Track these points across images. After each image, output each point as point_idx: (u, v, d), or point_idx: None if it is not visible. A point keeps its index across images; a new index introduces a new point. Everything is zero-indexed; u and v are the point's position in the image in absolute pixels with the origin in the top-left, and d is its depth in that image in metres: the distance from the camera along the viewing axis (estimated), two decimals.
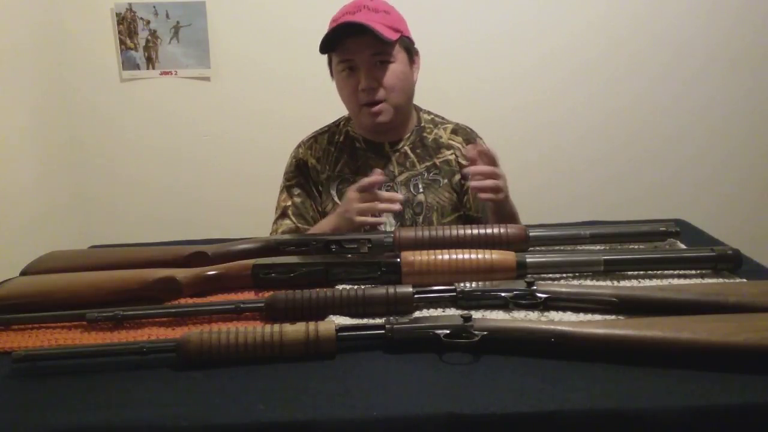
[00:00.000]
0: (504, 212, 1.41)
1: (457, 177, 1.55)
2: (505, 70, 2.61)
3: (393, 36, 1.42)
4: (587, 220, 1.37)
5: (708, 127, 2.67)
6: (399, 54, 1.46)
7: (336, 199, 1.53)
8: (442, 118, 1.64)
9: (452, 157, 1.56)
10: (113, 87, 2.61)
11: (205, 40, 2.58)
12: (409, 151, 1.56)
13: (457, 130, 1.61)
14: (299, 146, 1.62)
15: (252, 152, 2.64)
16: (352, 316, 0.95)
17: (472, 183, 1.32)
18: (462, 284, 0.97)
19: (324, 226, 1.42)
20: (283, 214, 1.58)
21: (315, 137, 1.62)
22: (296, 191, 1.58)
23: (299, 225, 1.54)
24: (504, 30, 2.58)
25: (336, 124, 1.63)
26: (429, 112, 1.64)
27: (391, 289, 0.96)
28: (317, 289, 0.98)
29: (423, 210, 1.52)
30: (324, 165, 1.58)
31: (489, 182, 1.31)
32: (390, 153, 1.56)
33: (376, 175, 1.34)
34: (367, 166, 1.54)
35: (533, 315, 0.93)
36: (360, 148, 1.57)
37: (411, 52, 1.51)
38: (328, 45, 1.45)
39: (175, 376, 0.83)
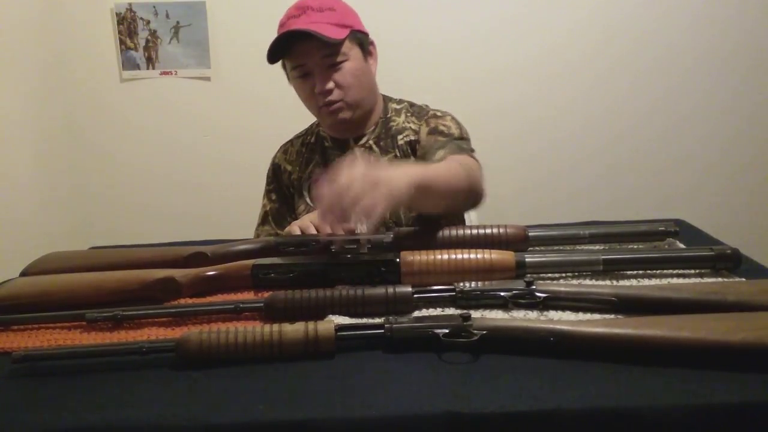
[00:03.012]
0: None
1: (411, 159, 1.49)
2: (497, 66, 2.61)
3: (340, 35, 1.39)
4: (583, 217, 1.37)
5: (706, 124, 2.66)
6: (351, 50, 1.42)
7: (308, 199, 1.54)
8: (411, 104, 1.58)
9: (403, 142, 1.51)
10: (113, 87, 2.62)
11: (205, 40, 2.59)
12: (373, 145, 1.53)
13: (413, 111, 1.56)
14: (278, 150, 1.65)
15: (252, 152, 2.64)
16: (351, 315, 0.95)
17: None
18: (461, 284, 0.97)
19: None
20: (263, 220, 1.62)
21: (291, 141, 1.65)
22: (273, 196, 1.62)
23: (279, 231, 1.56)
24: (496, 26, 2.58)
25: (311, 126, 1.64)
26: (401, 101, 1.59)
27: (391, 289, 0.96)
28: (316, 289, 0.98)
29: None
30: (295, 167, 1.59)
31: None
32: (354, 148, 1.53)
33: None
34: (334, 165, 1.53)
35: (532, 314, 0.93)
36: (328, 146, 1.57)
37: (365, 46, 1.47)
38: (275, 54, 1.42)
39: (174, 376, 0.83)
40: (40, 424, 0.74)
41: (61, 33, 2.54)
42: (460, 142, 1.44)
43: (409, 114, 1.55)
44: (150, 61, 2.61)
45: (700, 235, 1.31)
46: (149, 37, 2.59)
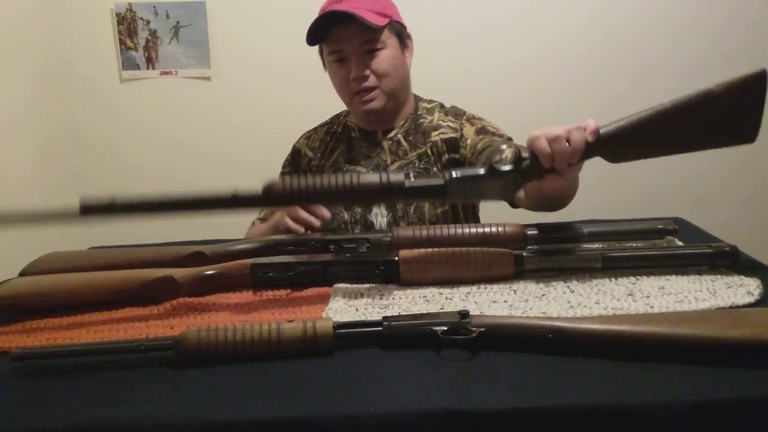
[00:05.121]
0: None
1: (445, 157, 1.50)
2: (497, 64, 2.60)
3: (381, 22, 1.41)
4: (581, 216, 1.36)
5: None
6: (389, 40, 1.44)
7: None
8: (441, 105, 1.60)
9: (437, 138, 1.51)
10: (113, 87, 2.62)
11: (205, 40, 2.59)
12: (402, 139, 1.54)
13: (448, 110, 1.57)
14: (301, 136, 1.66)
15: (252, 152, 2.64)
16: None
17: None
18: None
19: (262, 229, 1.46)
20: None
21: (315, 129, 1.65)
22: None
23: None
24: (495, 25, 2.58)
25: (338, 116, 1.65)
26: (431, 101, 1.61)
27: (384, 177, 0.99)
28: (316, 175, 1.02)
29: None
30: (316, 153, 1.60)
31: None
32: (382, 141, 1.55)
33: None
34: (360, 155, 1.55)
35: (531, 311, 0.93)
36: (355, 137, 1.57)
37: (402, 37, 1.49)
38: (315, 36, 1.44)
39: (173, 373, 0.83)
40: (39, 423, 0.74)
41: (61, 33, 2.54)
42: (511, 142, 1.45)
43: (442, 113, 1.56)
44: (150, 61, 2.61)
45: (699, 233, 1.31)
46: (149, 37, 2.59)
